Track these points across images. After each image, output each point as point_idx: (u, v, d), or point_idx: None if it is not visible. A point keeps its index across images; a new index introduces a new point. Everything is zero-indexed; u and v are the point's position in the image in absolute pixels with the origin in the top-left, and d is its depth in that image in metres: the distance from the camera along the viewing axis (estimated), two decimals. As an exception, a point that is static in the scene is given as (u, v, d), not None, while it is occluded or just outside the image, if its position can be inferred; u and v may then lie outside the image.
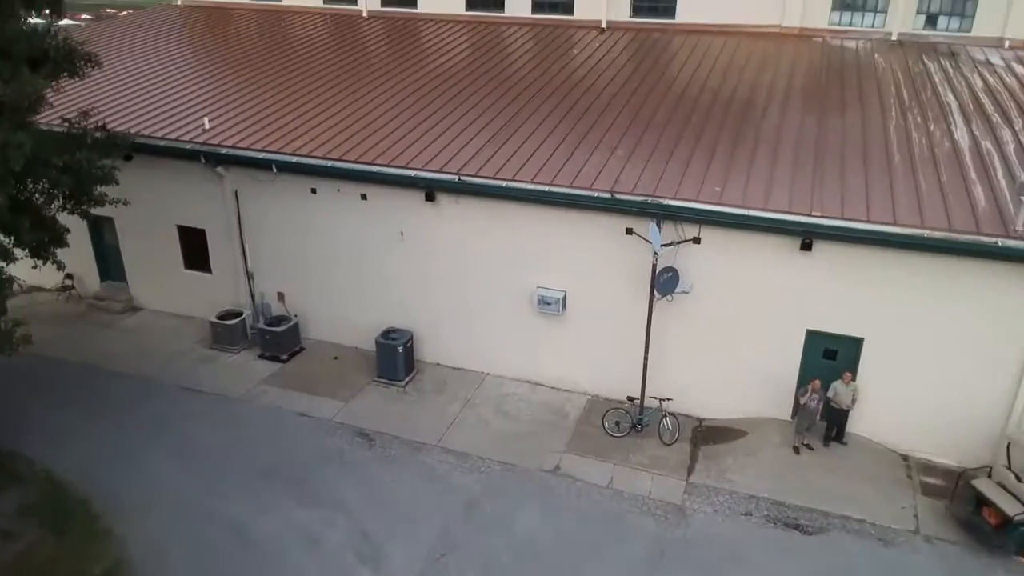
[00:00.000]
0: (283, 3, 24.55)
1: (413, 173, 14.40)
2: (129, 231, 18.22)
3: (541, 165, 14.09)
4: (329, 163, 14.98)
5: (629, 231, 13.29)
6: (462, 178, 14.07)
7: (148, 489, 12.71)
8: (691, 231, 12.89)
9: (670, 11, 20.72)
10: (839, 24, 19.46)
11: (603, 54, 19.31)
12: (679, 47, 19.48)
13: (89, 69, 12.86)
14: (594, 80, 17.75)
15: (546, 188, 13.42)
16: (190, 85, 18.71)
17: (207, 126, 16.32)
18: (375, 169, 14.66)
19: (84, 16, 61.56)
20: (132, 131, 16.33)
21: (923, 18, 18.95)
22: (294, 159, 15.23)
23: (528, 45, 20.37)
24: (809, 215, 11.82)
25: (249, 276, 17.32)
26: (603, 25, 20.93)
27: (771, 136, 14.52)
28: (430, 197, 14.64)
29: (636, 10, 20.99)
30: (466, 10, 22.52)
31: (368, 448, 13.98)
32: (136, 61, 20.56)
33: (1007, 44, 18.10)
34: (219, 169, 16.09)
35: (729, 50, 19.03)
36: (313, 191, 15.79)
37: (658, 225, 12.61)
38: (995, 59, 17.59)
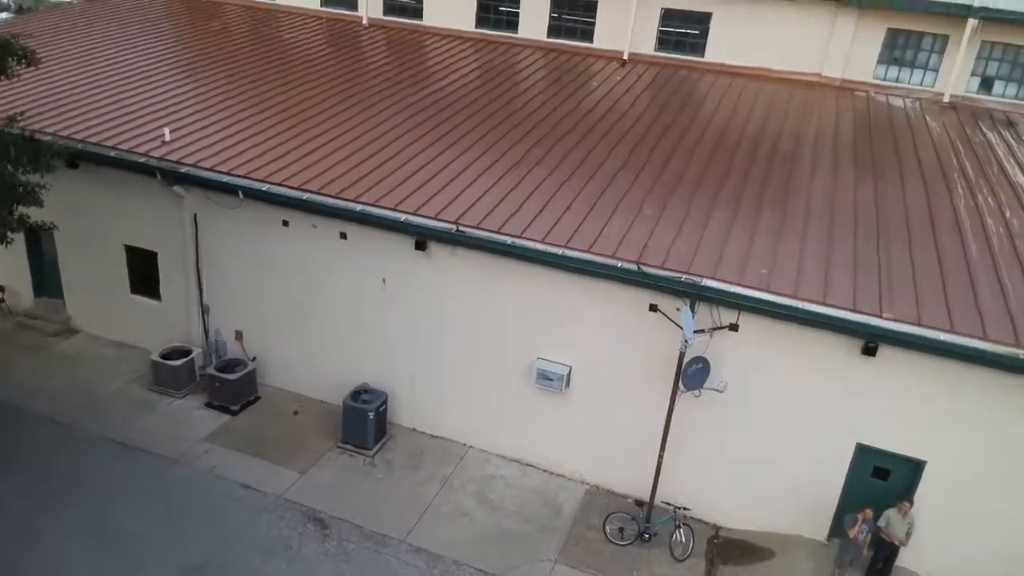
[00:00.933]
0: (278, 1, 22.34)
1: (403, 217, 12.23)
2: (70, 244, 15.80)
3: (554, 221, 11.99)
4: (305, 195, 12.77)
5: (654, 308, 11.23)
6: (460, 229, 11.92)
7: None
8: (728, 315, 10.83)
9: (699, 48, 18.83)
10: (884, 79, 17.67)
11: (625, 90, 17.34)
12: (709, 88, 17.58)
13: (21, 68, 10.64)
14: (616, 120, 15.74)
15: (559, 251, 11.31)
16: (156, 87, 16.39)
17: (167, 138, 14.03)
18: (358, 208, 12.47)
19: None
20: (79, 136, 14.05)
21: (977, 81, 17.23)
22: (265, 187, 12.99)
23: (542, 73, 18.35)
24: (879, 316, 9.81)
25: (204, 309, 14.99)
26: (625, 57, 18.99)
27: (823, 206, 12.57)
28: (421, 245, 12.48)
29: (662, 43, 19.09)
30: (475, 27, 20.49)
31: (321, 539, 11.69)
32: (101, 54, 18.20)
33: (1068, 117, 16.45)
34: (177, 188, 13.80)
35: (765, 96, 17.16)
36: (285, 223, 13.55)
37: (692, 308, 10.55)
38: (1057, 133, 15.89)
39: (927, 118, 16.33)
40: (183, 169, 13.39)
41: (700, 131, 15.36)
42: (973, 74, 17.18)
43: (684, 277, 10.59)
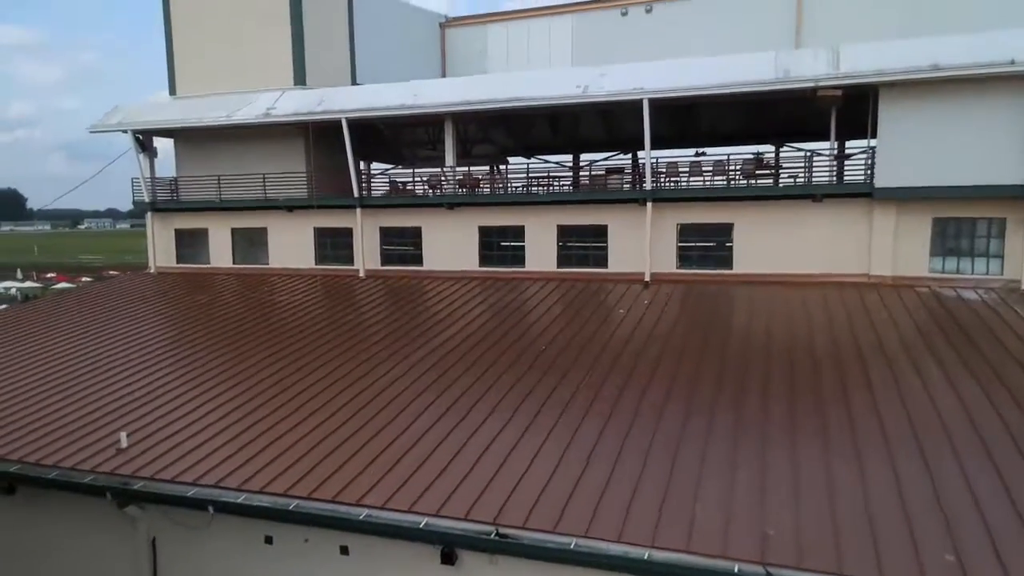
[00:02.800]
0: (272, 265, 21.21)
1: (422, 521, 9.17)
2: (1, 590, 12.43)
3: (627, 502, 8.95)
4: (293, 503, 9.79)
5: (795, 626, 7.78)
6: (501, 531, 8.81)
7: None
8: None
9: (725, 261, 17.21)
10: (943, 271, 15.74)
11: (658, 315, 15.22)
12: (749, 301, 15.48)
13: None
14: (660, 350, 13.34)
15: (645, 555, 8.13)
16: (120, 382, 14.08)
17: (124, 444, 11.36)
18: (362, 515, 9.44)
19: (83, 278, 60.94)
20: (15, 457, 11.40)
21: (1048, 260, 15.30)
22: (240, 497, 10.05)
23: (559, 307, 16.38)
24: None
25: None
26: (647, 279, 17.28)
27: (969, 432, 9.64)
28: (448, 557, 9.26)
29: (683, 260, 17.52)
30: (479, 266, 19.08)
31: None
32: (61, 349, 16.25)
33: None
34: (131, 509, 10.83)
35: (817, 304, 15.01)
36: (268, 540, 10.42)
37: (864, 633, 7.16)
38: None
39: (1016, 308, 14.07)
40: (136, 485, 10.51)
41: (765, 350, 12.93)
42: (1041, 254, 15.31)
43: (836, 583, 7.33)
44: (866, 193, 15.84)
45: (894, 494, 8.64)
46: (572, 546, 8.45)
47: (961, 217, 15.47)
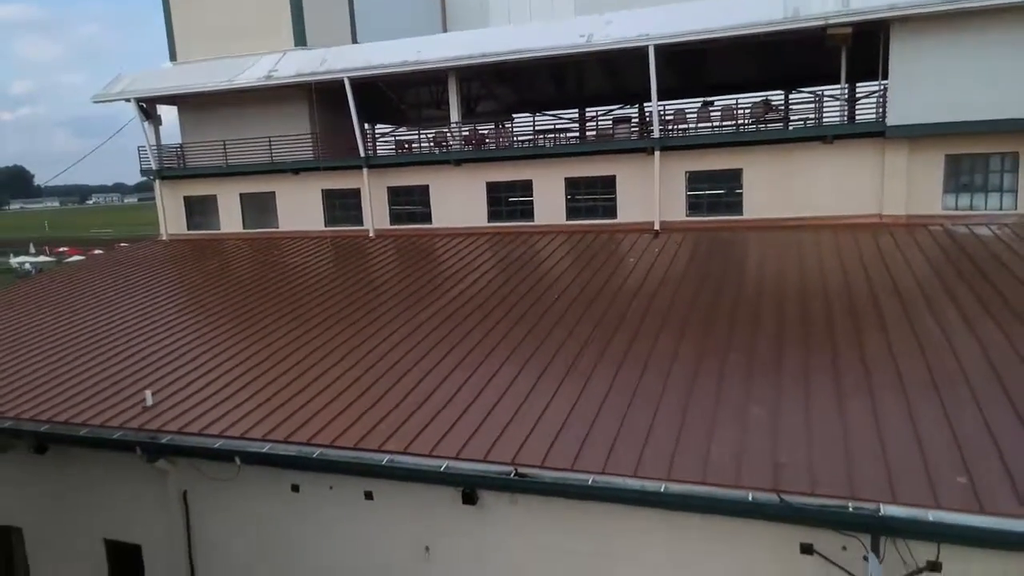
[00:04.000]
0: (282, 228, 21.32)
1: (443, 465, 9.42)
2: (43, 547, 12.94)
3: (641, 442, 9.14)
4: (317, 452, 10.07)
5: (808, 549, 8.02)
6: (520, 470, 9.05)
7: None
8: (922, 551, 7.58)
9: (735, 207, 17.15)
10: (956, 208, 15.63)
11: (668, 261, 15.26)
12: (764, 246, 15.45)
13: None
14: (672, 296, 13.42)
15: (661, 487, 8.33)
16: (141, 344, 14.35)
17: (149, 402, 11.65)
18: (384, 460, 9.70)
19: (95, 251, 61.24)
20: (45, 417, 11.74)
21: (1063, 193, 15.15)
22: (266, 447, 10.33)
23: (570, 258, 16.44)
24: None
25: (202, 611, 11.70)
26: (657, 227, 17.27)
27: (982, 366, 9.73)
28: (469, 498, 9.53)
29: (693, 208, 17.47)
30: (488, 222, 19.12)
31: None
32: (82, 317, 16.54)
33: None
34: (161, 463, 11.16)
35: (829, 246, 14.99)
36: (294, 488, 10.74)
37: (877, 553, 7.35)
38: None
39: (1028, 242, 14.00)
40: (164, 439, 10.83)
41: (777, 294, 12.98)
42: (1056, 187, 15.16)
43: (852, 506, 7.50)
44: (878, 132, 15.64)
45: (907, 423, 8.77)
46: (590, 482, 8.67)
47: (974, 153, 15.29)
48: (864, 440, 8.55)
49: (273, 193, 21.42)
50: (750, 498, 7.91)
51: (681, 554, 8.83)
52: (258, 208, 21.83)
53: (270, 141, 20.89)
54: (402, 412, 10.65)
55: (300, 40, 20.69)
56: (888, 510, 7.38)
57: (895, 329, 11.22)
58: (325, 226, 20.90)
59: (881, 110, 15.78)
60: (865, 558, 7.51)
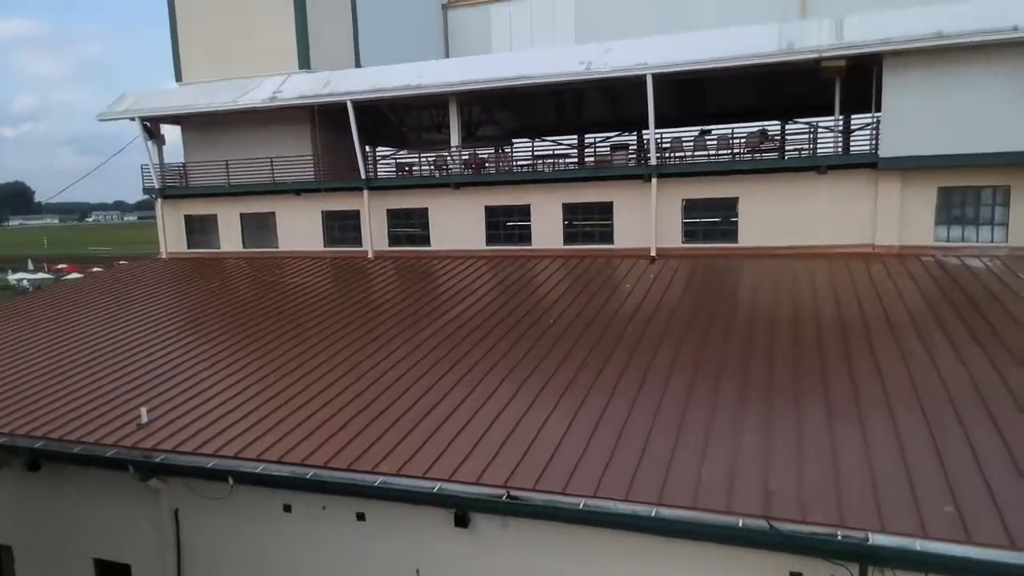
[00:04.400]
0: (282, 248, 21.48)
1: (435, 487, 9.45)
2: (32, 566, 12.86)
3: (634, 466, 9.19)
4: (309, 472, 10.09)
5: (797, 578, 8.05)
6: (512, 493, 9.08)
7: None
8: (911, 581, 7.61)
9: (731, 235, 17.34)
10: (948, 240, 15.81)
11: (664, 287, 15.40)
12: (758, 274, 15.62)
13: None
14: (666, 320, 13.53)
15: (652, 512, 8.37)
16: (138, 362, 14.40)
17: (144, 420, 11.69)
18: (377, 481, 9.72)
19: (93, 268, 61.27)
20: (39, 434, 11.76)
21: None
22: (259, 467, 10.35)
23: (567, 283, 16.58)
24: None
25: (190, 632, 11.62)
26: (653, 253, 17.43)
27: (972, 395, 9.82)
28: (461, 520, 9.54)
29: (689, 235, 17.64)
30: (486, 245, 19.28)
31: None
32: (80, 333, 16.61)
33: None
34: (153, 482, 11.16)
35: (823, 274, 15.14)
36: (287, 508, 10.73)
37: (865, 580, 7.40)
38: None
39: (1020, 275, 14.15)
40: (158, 458, 10.84)
41: (771, 321, 13.09)
42: (1044, 220, 15.36)
43: (841, 535, 7.54)
44: (871, 164, 15.90)
45: (896, 452, 8.83)
46: (581, 506, 8.70)
47: (966, 186, 15.52)
48: (853, 467, 8.61)
49: (273, 213, 21.61)
50: (740, 524, 7.95)
51: (672, 580, 8.84)
52: (258, 228, 22.00)
53: (272, 162, 21.13)
54: (396, 434, 10.69)
55: (304, 63, 21.02)
56: (876, 539, 7.43)
57: (885, 357, 11.32)
58: (324, 246, 21.06)
59: (874, 142, 16.04)
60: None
